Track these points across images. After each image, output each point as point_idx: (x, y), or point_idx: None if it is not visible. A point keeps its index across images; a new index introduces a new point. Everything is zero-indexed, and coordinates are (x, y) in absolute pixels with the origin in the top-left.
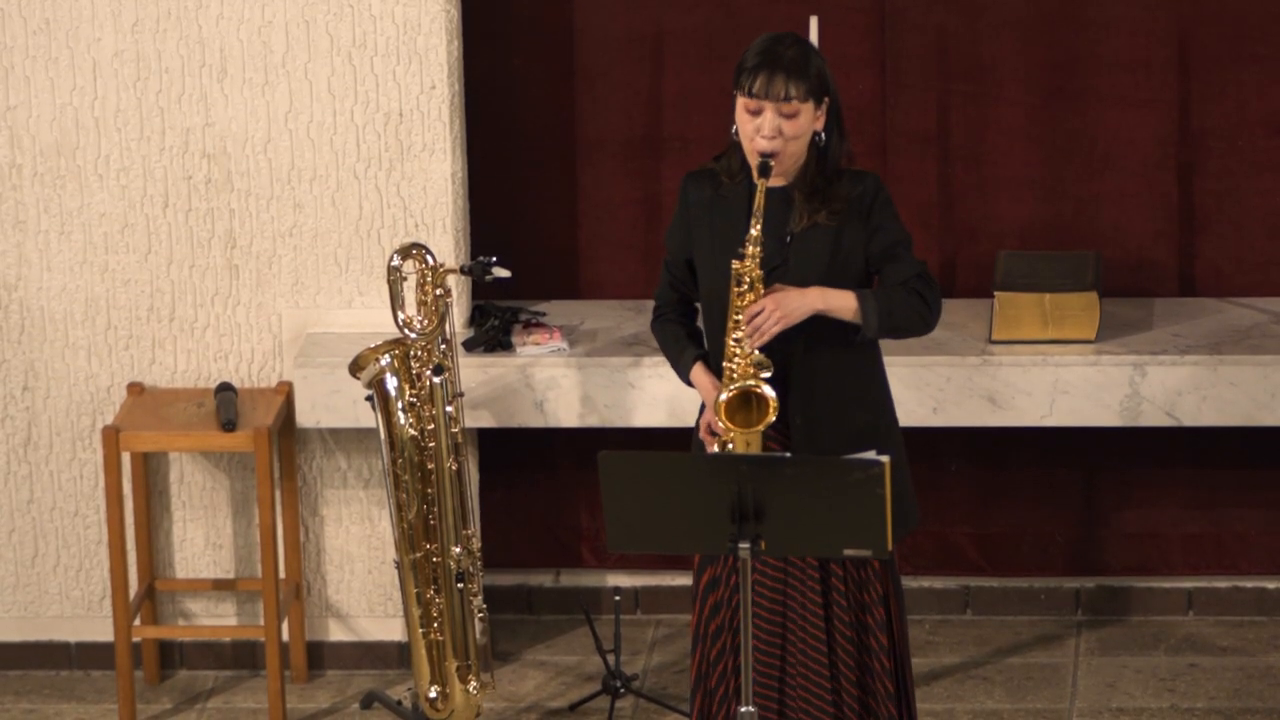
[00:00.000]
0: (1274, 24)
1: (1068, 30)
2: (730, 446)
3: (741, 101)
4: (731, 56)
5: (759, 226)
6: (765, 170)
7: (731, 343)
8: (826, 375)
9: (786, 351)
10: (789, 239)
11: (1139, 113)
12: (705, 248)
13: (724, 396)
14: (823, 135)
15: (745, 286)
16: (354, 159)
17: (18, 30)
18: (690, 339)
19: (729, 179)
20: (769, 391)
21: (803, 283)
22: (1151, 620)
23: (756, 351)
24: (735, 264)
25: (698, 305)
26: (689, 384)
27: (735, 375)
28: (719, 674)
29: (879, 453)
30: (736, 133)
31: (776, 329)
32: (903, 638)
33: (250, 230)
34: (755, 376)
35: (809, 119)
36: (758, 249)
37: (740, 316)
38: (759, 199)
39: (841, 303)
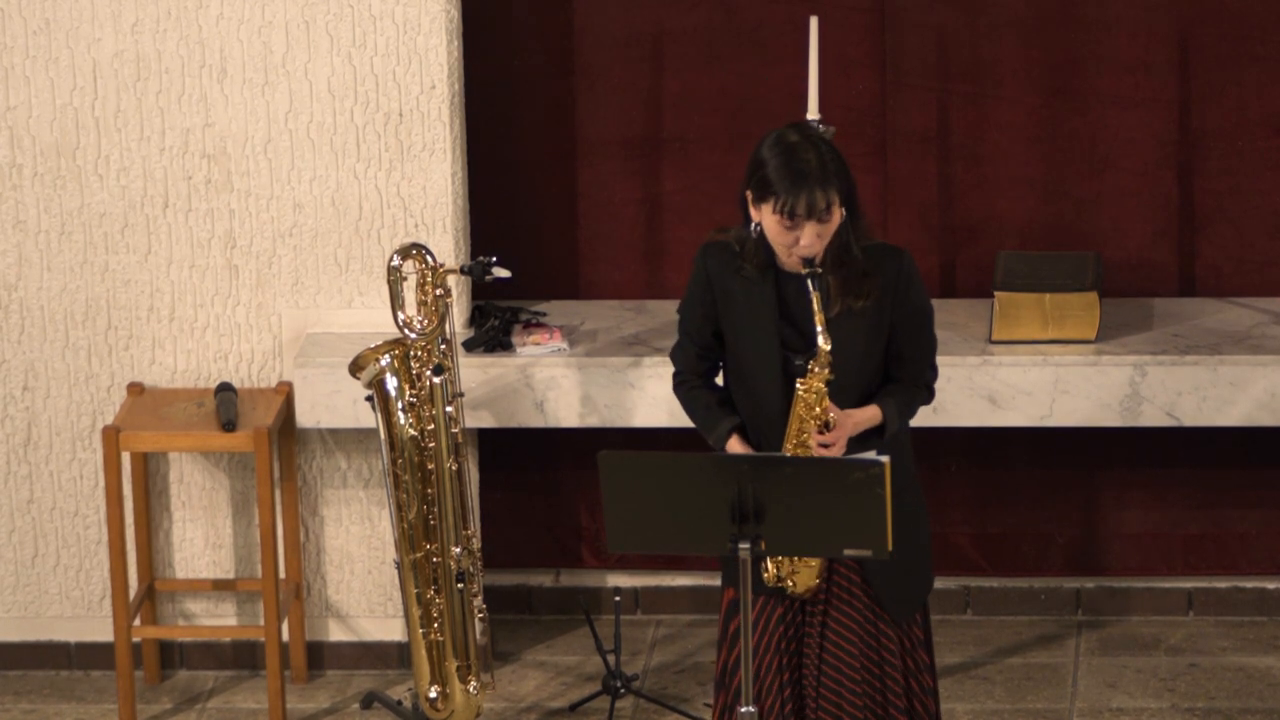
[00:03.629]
0: (1274, 24)
1: (1068, 30)
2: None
3: (775, 219)
4: (731, 56)
5: (828, 340)
6: (815, 280)
7: (790, 448)
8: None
9: None
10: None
11: (1139, 113)
12: (735, 327)
13: None
14: (843, 212)
15: (811, 402)
16: (354, 159)
17: (18, 30)
18: (722, 408)
19: (753, 265)
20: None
21: (840, 364)
22: (1151, 620)
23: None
24: (800, 383)
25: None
26: (721, 451)
27: None
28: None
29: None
30: (758, 228)
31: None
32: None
33: (250, 230)
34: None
35: (839, 211)
36: (825, 370)
37: (807, 438)
38: (819, 315)
39: (874, 423)
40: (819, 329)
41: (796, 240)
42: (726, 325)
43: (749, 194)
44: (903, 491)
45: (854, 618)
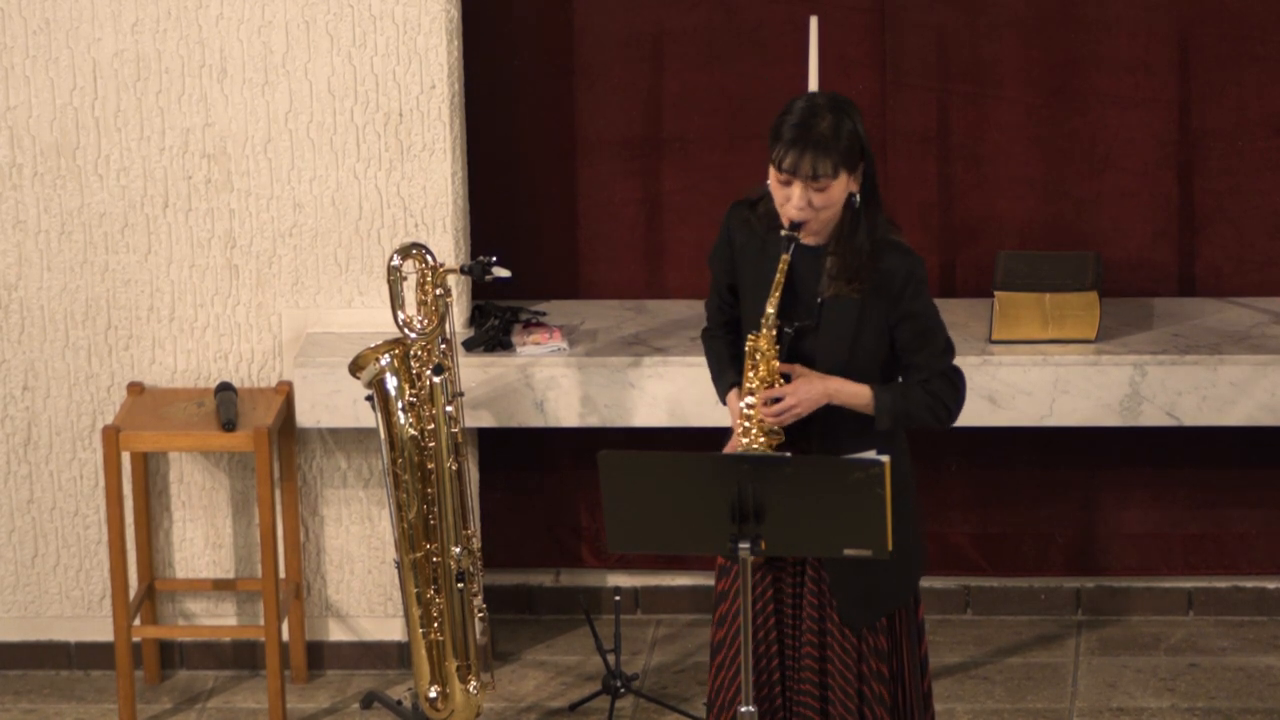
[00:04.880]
0: (1274, 24)
1: (1068, 30)
2: None
3: (773, 168)
4: (731, 56)
5: (774, 306)
6: (789, 243)
7: (744, 406)
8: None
9: (807, 426)
10: (820, 302)
11: (1139, 113)
12: (746, 285)
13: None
14: (858, 196)
15: (758, 359)
16: (354, 159)
17: (18, 30)
18: (732, 362)
19: (764, 223)
20: None
21: (832, 348)
22: (1151, 620)
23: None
24: (750, 338)
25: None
26: (724, 402)
27: (746, 442)
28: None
29: (879, 452)
30: (769, 183)
31: (789, 419)
32: (912, 690)
33: (250, 230)
34: (768, 446)
35: (840, 188)
36: (773, 329)
37: (754, 397)
38: (779, 277)
39: (855, 400)
40: (773, 293)
41: (788, 199)
42: (741, 281)
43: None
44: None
45: (813, 616)
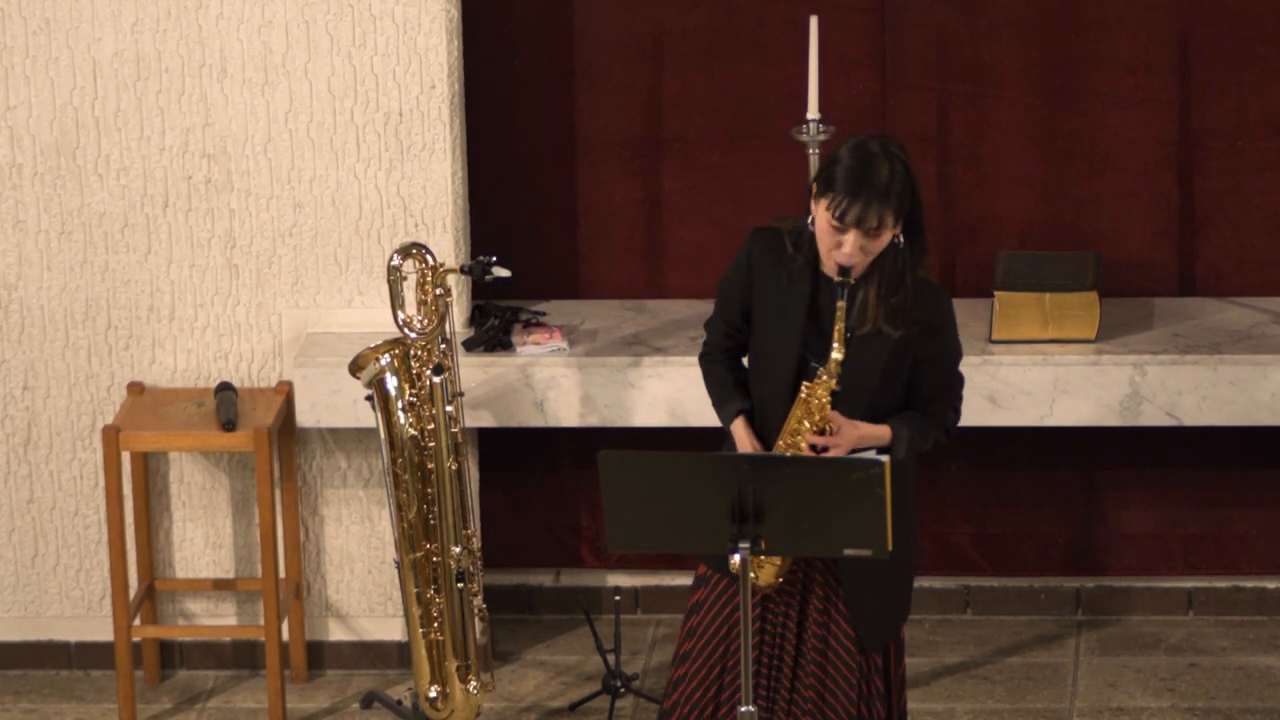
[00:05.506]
0: (1274, 24)
1: (1068, 30)
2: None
3: (826, 216)
4: (732, 56)
5: (841, 351)
6: (844, 289)
7: (783, 444)
8: None
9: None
10: (850, 334)
11: (1139, 113)
12: (764, 314)
13: None
14: (900, 239)
15: (813, 407)
16: (354, 159)
17: (18, 30)
18: (737, 389)
19: (795, 255)
20: None
21: (858, 381)
22: (1151, 620)
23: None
24: (805, 387)
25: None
26: (727, 430)
27: None
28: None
29: (878, 451)
30: (812, 223)
31: None
32: (899, 705)
33: (250, 230)
34: None
35: (891, 234)
36: (834, 380)
37: (801, 439)
38: (839, 325)
39: (878, 443)
40: (836, 340)
41: (839, 245)
42: (757, 312)
43: (815, 186)
44: (900, 507)
45: (819, 635)
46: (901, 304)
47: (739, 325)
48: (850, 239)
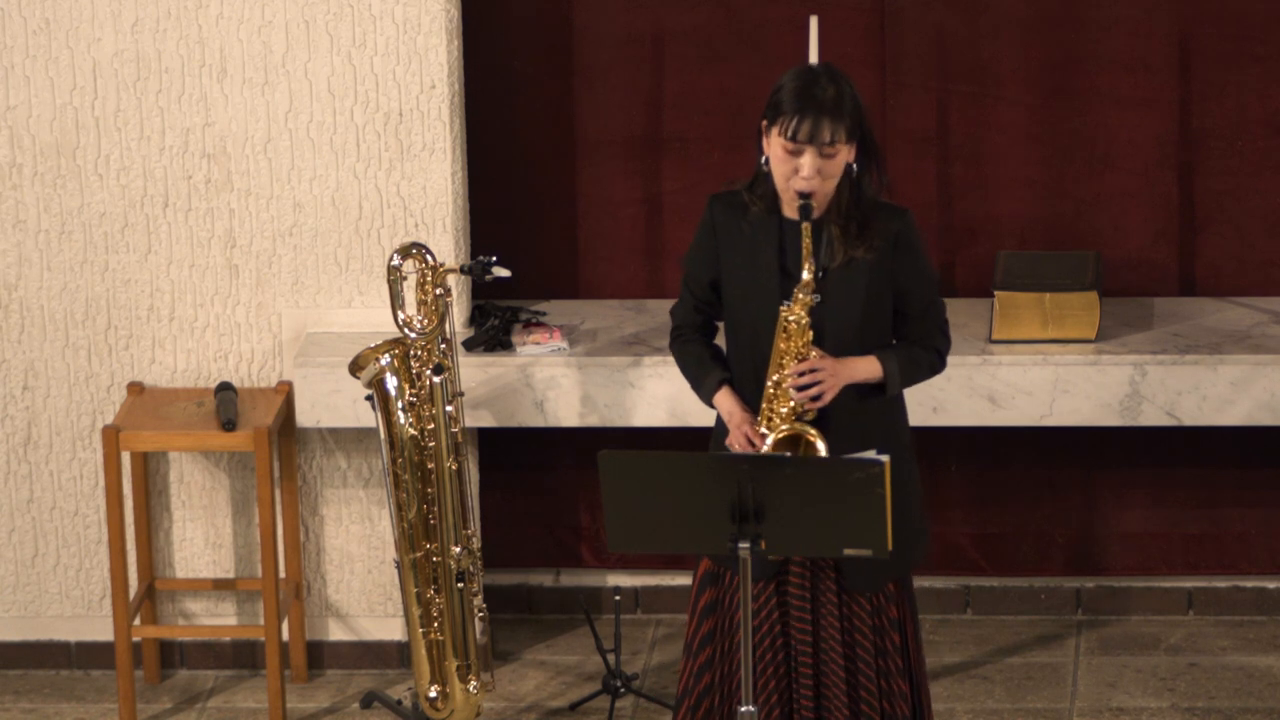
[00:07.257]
0: (1274, 24)
1: (1068, 30)
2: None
3: (779, 142)
4: (731, 56)
5: (811, 270)
6: (808, 212)
7: (770, 384)
8: (852, 418)
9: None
10: (822, 274)
11: (1139, 113)
12: (735, 276)
13: (774, 437)
14: (854, 166)
15: (790, 330)
16: (354, 159)
17: (18, 30)
18: (714, 361)
19: (758, 208)
20: (821, 446)
21: (842, 317)
22: (1151, 620)
23: (793, 390)
24: (783, 309)
25: (718, 324)
26: (710, 405)
27: (776, 419)
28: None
29: (879, 452)
30: (766, 163)
31: (823, 403)
32: (919, 660)
33: (250, 230)
34: (802, 424)
35: (846, 157)
36: (809, 296)
37: (787, 370)
38: (806, 242)
39: (869, 375)
40: (805, 261)
41: (797, 170)
42: (728, 272)
43: (764, 122)
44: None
45: (829, 589)
46: (864, 222)
47: (708, 298)
48: (807, 160)
